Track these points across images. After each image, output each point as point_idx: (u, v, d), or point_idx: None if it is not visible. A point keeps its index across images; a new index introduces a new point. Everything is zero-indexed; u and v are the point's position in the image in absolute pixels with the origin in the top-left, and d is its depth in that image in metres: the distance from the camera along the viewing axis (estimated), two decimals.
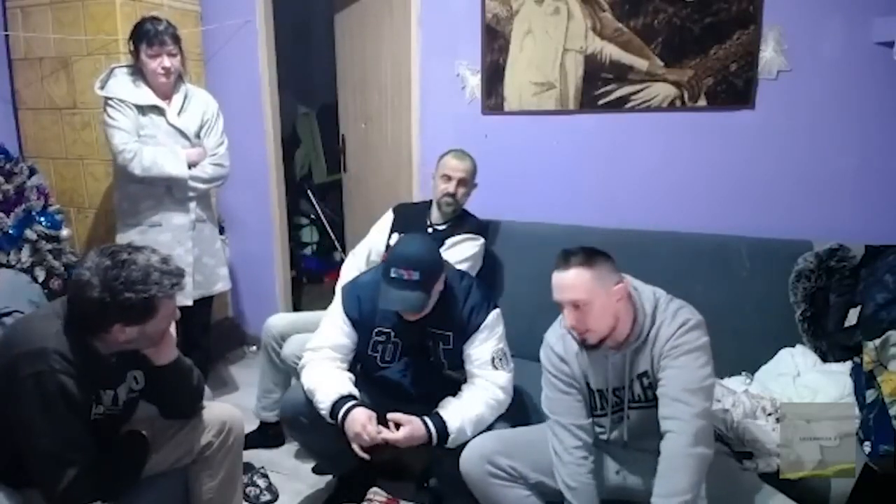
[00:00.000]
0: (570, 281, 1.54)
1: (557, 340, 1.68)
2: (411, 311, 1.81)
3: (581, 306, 1.53)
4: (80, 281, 1.41)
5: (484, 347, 1.87)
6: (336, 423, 1.77)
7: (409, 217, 2.48)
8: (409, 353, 1.93)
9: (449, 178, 2.37)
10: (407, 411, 1.77)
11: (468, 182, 2.40)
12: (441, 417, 1.76)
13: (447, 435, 1.73)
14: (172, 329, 1.61)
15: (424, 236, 1.90)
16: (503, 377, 1.86)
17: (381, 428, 1.73)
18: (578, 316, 1.54)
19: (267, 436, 2.54)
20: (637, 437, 1.66)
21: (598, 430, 1.70)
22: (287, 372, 2.42)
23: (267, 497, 2.21)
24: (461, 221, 2.43)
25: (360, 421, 1.73)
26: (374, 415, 1.76)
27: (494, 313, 1.91)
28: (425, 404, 1.81)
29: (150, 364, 1.62)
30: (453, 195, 2.37)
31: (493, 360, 1.86)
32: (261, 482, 2.24)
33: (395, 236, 2.44)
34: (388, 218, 2.54)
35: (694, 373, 1.51)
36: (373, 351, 1.94)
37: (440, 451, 1.79)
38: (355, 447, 1.75)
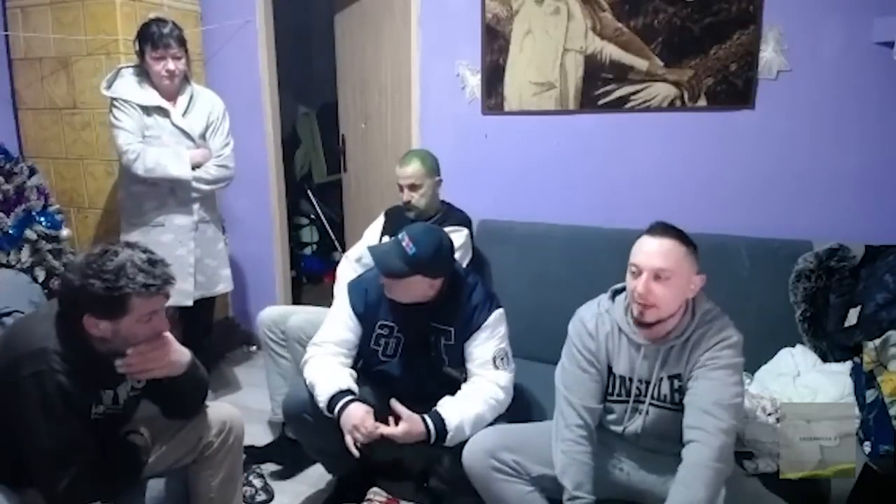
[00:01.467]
0: (663, 248, 1.51)
1: (592, 317, 1.66)
2: (382, 270, 1.82)
3: (662, 277, 1.50)
4: (66, 268, 1.41)
5: (486, 347, 1.87)
6: (333, 417, 1.76)
7: (398, 218, 2.46)
8: (411, 350, 1.93)
9: (401, 188, 2.37)
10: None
11: (419, 186, 2.35)
12: (440, 415, 1.75)
13: (446, 433, 1.73)
14: (176, 346, 1.58)
15: (451, 242, 1.90)
16: (504, 377, 1.85)
17: (378, 424, 1.73)
18: (653, 287, 1.50)
19: (287, 450, 2.36)
20: (650, 436, 1.65)
21: (610, 417, 1.68)
22: (291, 360, 2.38)
23: (263, 497, 2.21)
24: (445, 216, 2.42)
25: (358, 416, 1.72)
26: (371, 410, 1.75)
27: (497, 313, 1.91)
28: (424, 402, 1.80)
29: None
30: (408, 202, 2.36)
31: (494, 359, 1.86)
32: (256, 482, 2.23)
33: (386, 239, 2.44)
34: (379, 221, 2.54)
35: (727, 389, 1.51)
36: (375, 344, 1.94)
37: (439, 449, 1.78)
38: (349, 442, 1.73)
